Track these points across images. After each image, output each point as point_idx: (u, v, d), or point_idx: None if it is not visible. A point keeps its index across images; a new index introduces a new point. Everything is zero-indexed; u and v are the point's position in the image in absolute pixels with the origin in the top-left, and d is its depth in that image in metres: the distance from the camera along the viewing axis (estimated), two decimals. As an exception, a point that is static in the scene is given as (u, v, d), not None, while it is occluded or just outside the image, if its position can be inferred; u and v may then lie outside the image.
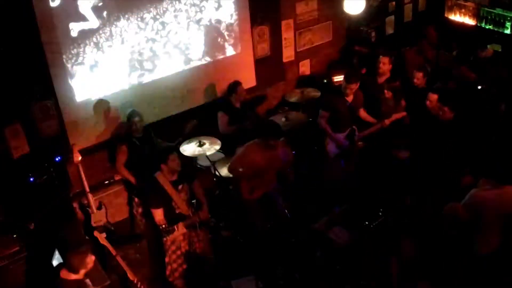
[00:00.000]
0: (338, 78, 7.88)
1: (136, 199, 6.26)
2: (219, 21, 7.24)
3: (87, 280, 4.46)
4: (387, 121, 6.48)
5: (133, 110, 6.14)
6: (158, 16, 6.66)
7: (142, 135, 6.13)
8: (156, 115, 6.95)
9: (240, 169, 5.58)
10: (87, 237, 5.78)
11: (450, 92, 6.56)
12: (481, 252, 4.95)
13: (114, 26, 6.36)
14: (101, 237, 5.07)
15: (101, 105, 6.53)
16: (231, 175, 6.17)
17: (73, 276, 4.26)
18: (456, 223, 4.77)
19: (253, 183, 5.70)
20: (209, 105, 7.38)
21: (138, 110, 6.14)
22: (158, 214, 5.25)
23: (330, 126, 6.34)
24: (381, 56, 6.87)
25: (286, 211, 6.40)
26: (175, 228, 5.20)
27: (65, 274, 4.25)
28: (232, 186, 6.15)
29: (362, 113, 6.57)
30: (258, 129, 5.84)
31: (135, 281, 4.97)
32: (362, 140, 6.48)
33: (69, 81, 6.23)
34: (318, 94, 7.10)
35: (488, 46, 8.09)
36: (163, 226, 5.12)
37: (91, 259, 4.31)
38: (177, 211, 5.39)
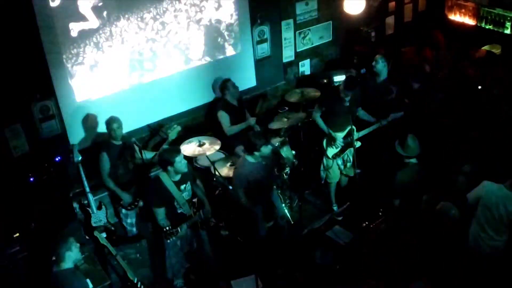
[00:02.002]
0: (338, 78, 7.88)
1: (123, 210, 6.13)
2: (219, 21, 7.24)
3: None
4: (385, 121, 6.47)
5: (111, 117, 5.91)
6: (158, 16, 6.66)
7: (122, 143, 5.96)
8: (156, 115, 6.96)
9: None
10: (87, 237, 5.78)
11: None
12: (484, 252, 4.96)
13: (114, 26, 6.36)
14: (101, 237, 5.07)
15: (101, 105, 6.53)
16: (231, 175, 6.17)
17: (63, 266, 4.42)
18: (449, 221, 4.78)
19: (254, 193, 5.70)
20: (208, 105, 7.39)
21: (116, 117, 5.92)
22: (160, 214, 5.26)
23: (328, 126, 6.32)
24: (377, 56, 6.87)
25: (287, 214, 6.42)
26: (179, 230, 5.20)
27: (56, 267, 4.43)
28: (232, 186, 6.14)
29: (361, 113, 6.55)
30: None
31: (135, 281, 4.98)
32: (361, 140, 6.46)
33: (69, 81, 6.23)
34: (318, 94, 7.10)
35: (486, 47, 8.08)
36: (167, 228, 5.11)
37: (74, 244, 4.46)
38: (178, 211, 5.39)
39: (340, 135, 6.37)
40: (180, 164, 5.20)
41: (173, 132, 6.20)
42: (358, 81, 6.42)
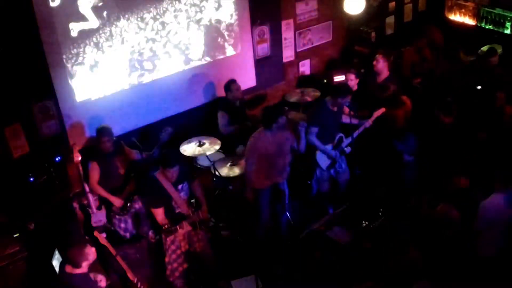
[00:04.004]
0: (338, 78, 7.87)
1: (116, 216, 6.03)
2: (219, 21, 7.24)
3: (92, 275, 4.49)
4: (369, 121, 6.44)
5: (102, 127, 5.81)
6: (158, 16, 6.66)
7: (113, 150, 5.87)
8: (156, 115, 6.96)
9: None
10: (87, 237, 5.78)
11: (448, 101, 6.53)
12: (485, 254, 4.96)
13: (114, 26, 6.36)
14: (101, 237, 5.07)
15: (101, 105, 6.53)
16: (231, 175, 6.17)
17: (78, 271, 4.35)
18: (449, 224, 4.78)
19: (265, 172, 5.70)
20: (208, 105, 7.39)
21: (108, 127, 5.81)
22: (159, 214, 5.26)
23: (319, 140, 6.26)
24: (377, 55, 6.86)
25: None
26: (177, 228, 5.21)
27: (70, 269, 4.36)
28: (232, 186, 6.15)
29: (344, 119, 6.49)
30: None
31: (135, 281, 4.98)
32: (351, 144, 6.41)
33: (69, 81, 6.24)
34: (318, 94, 7.09)
35: (486, 47, 8.05)
36: (166, 226, 5.13)
37: (90, 250, 4.40)
38: (176, 211, 5.39)
39: (330, 146, 6.33)
40: (172, 175, 5.22)
41: (165, 134, 6.18)
42: (348, 86, 6.41)
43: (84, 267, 4.38)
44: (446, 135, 6.01)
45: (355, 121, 6.43)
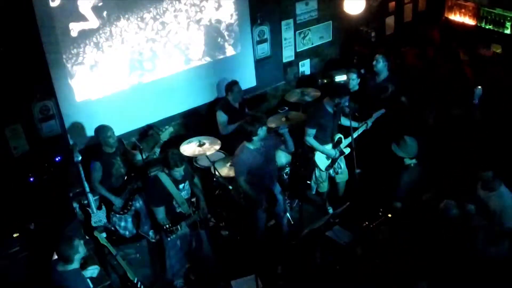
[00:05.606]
0: (338, 78, 7.88)
1: (117, 215, 6.03)
2: (219, 21, 7.24)
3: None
4: (369, 122, 6.43)
5: (104, 126, 5.82)
6: (158, 16, 6.66)
7: (115, 149, 5.92)
8: (156, 115, 6.96)
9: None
10: (87, 237, 5.79)
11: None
12: (488, 254, 4.95)
13: (114, 26, 6.36)
14: (101, 237, 5.08)
15: (101, 105, 6.53)
16: (231, 175, 6.17)
17: (70, 267, 4.38)
18: (451, 221, 4.77)
19: (258, 183, 5.70)
20: (208, 105, 7.39)
21: (108, 125, 5.82)
22: (160, 213, 5.27)
23: (317, 141, 6.25)
24: (377, 55, 6.87)
25: (288, 209, 6.42)
26: (178, 228, 5.21)
27: (62, 267, 4.39)
28: (232, 186, 6.14)
29: (342, 120, 6.48)
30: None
31: (135, 281, 4.98)
32: (351, 145, 6.40)
33: (69, 81, 6.24)
34: (318, 94, 7.09)
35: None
36: (167, 226, 5.13)
37: (79, 242, 4.41)
38: (177, 210, 5.40)
39: (329, 147, 6.32)
40: (177, 173, 5.26)
41: (165, 133, 6.19)
42: (346, 86, 6.38)
43: (76, 262, 4.39)
44: (430, 133, 5.99)
45: (355, 123, 6.42)
